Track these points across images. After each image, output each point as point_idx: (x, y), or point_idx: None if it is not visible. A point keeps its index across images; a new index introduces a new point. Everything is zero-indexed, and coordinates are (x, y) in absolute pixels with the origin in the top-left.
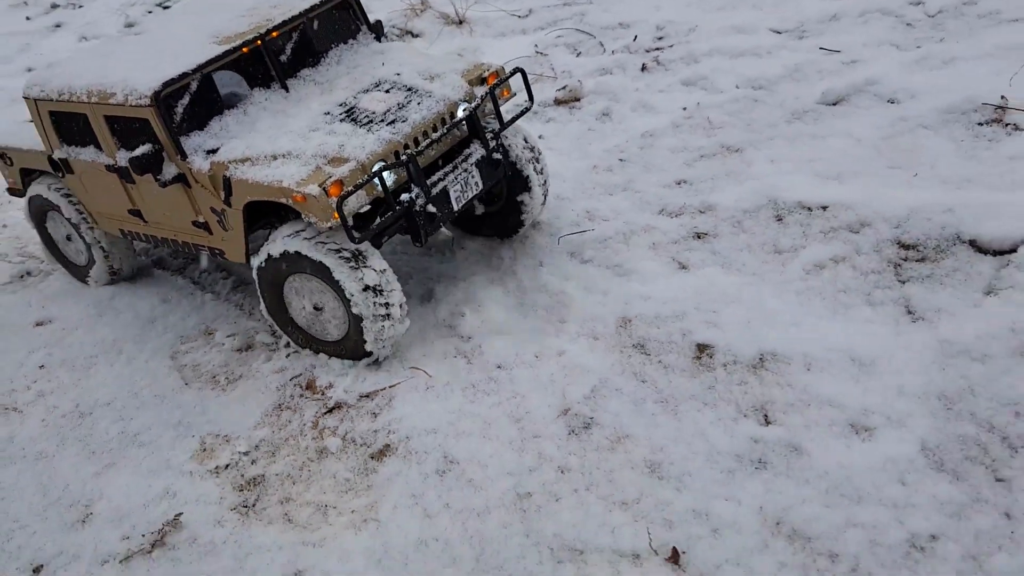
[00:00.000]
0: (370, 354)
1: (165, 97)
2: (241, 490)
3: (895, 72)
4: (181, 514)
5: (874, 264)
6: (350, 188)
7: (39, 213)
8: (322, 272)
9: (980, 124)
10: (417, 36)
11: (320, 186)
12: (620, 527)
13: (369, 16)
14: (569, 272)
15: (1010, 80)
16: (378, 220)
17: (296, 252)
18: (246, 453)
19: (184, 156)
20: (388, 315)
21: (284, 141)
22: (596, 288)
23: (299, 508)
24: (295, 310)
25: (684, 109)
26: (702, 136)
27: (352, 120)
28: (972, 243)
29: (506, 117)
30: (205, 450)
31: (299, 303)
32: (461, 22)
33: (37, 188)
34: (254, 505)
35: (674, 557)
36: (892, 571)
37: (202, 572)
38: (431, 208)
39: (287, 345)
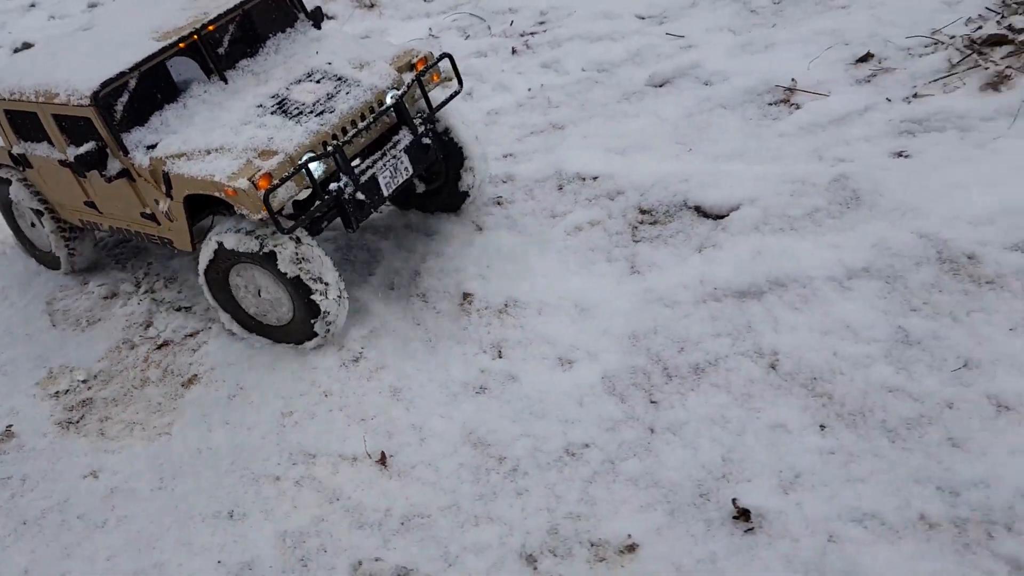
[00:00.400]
0: (315, 335)
1: (104, 97)
2: (70, 410)
3: (718, 57)
4: (12, 425)
5: (619, 227)
6: (277, 181)
7: (5, 204)
8: (263, 262)
9: (770, 104)
10: (331, 18)
11: (249, 179)
12: (351, 438)
13: (307, 4)
14: (389, 231)
15: (808, 64)
16: (311, 209)
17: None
18: (84, 381)
19: (126, 152)
20: (326, 300)
21: (217, 135)
22: (404, 246)
23: (113, 425)
24: (242, 299)
25: (529, 90)
26: (539, 114)
27: (283, 112)
28: (697, 208)
29: (436, 101)
30: (51, 377)
31: (245, 292)
32: (372, 5)
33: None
34: (78, 422)
35: (382, 459)
36: (544, 470)
37: (21, 470)
38: (360, 196)
39: (144, 292)
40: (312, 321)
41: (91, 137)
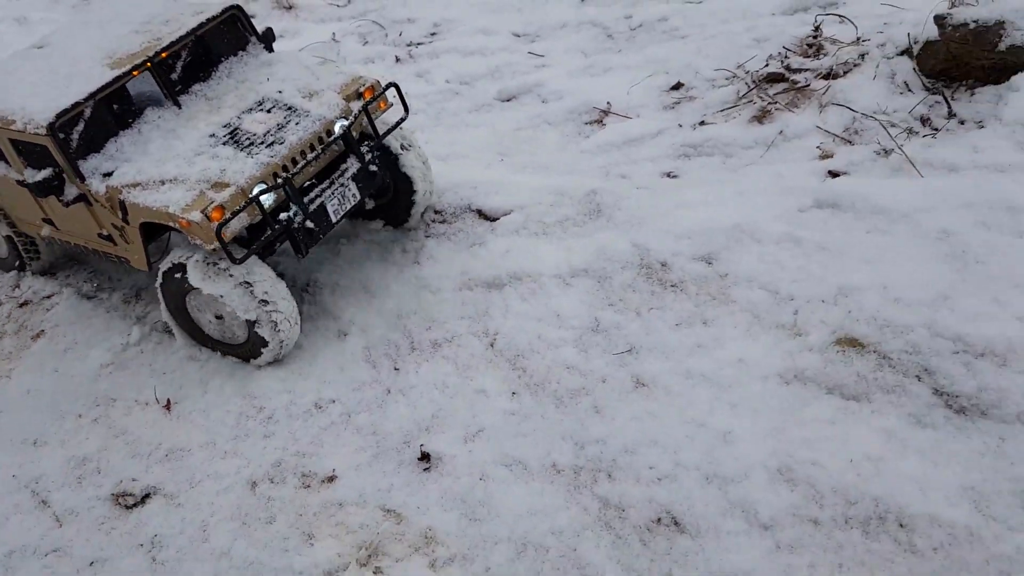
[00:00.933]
0: (266, 355)
1: (60, 127)
2: None
3: (561, 77)
4: None
5: (414, 224)
6: (229, 214)
7: None
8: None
9: (585, 123)
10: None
11: (202, 212)
12: (148, 388)
13: (256, 26)
14: None
15: (629, 89)
16: (261, 239)
17: (188, 280)
18: None
19: (83, 179)
20: (277, 322)
21: (171, 166)
22: None
23: None
24: (202, 322)
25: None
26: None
27: (235, 143)
28: (479, 212)
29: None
30: None
31: (203, 316)
32: (290, 7)
33: None
34: None
35: (167, 406)
36: (292, 419)
37: None
38: (309, 224)
39: (18, 268)
40: (263, 349)
41: (48, 163)
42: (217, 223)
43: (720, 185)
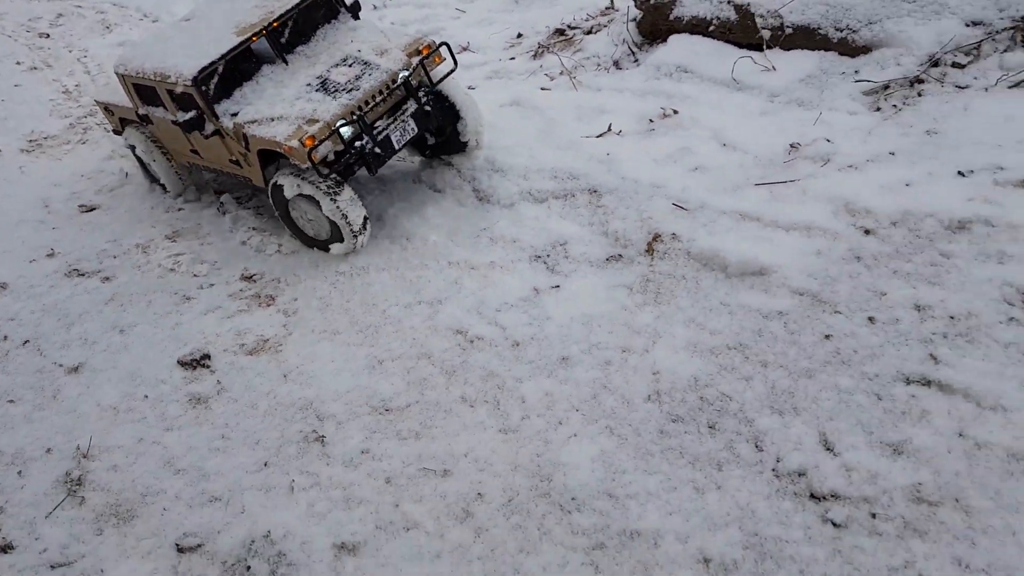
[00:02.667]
0: (345, 246)
1: (201, 80)
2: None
3: (459, 27)
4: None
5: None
6: (318, 141)
7: (133, 147)
8: (309, 198)
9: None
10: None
11: (299, 140)
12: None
13: None
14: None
15: (489, 35)
16: (342, 160)
17: (287, 187)
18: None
19: (217, 118)
20: (353, 226)
21: (278, 107)
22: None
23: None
24: (297, 220)
25: None
26: None
27: (324, 90)
28: None
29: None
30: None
31: (300, 216)
32: None
33: (130, 132)
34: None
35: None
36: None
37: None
38: (377, 150)
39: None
40: (341, 242)
41: (193, 107)
42: (309, 148)
43: (494, 91)
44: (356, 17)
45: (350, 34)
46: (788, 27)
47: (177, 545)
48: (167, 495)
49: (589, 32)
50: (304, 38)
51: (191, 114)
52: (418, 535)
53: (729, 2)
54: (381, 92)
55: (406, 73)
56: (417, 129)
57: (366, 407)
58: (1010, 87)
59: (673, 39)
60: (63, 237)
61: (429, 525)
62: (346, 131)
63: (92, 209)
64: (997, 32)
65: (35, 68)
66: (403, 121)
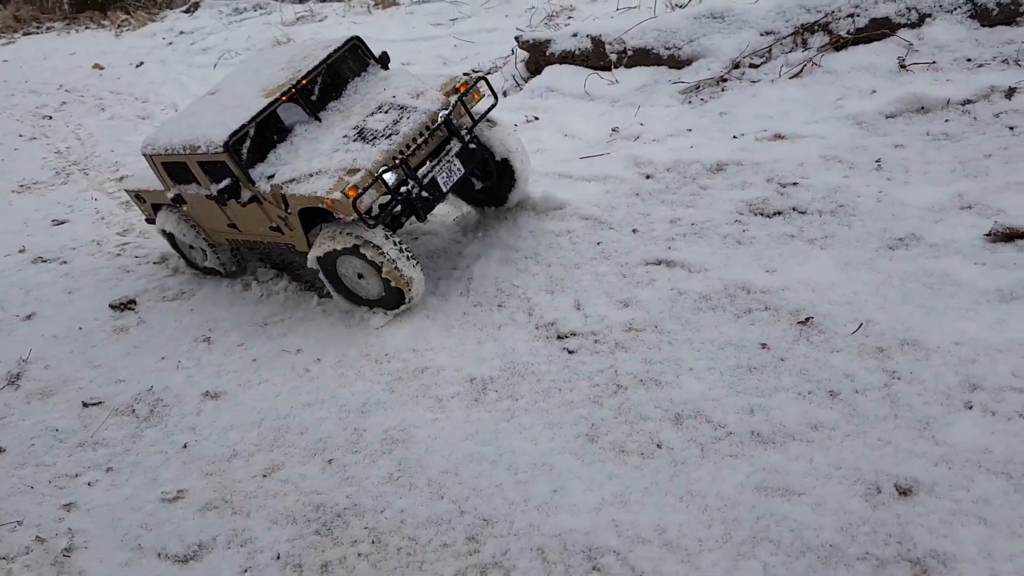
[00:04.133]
0: (405, 302)
1: (232, 144)
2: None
3: None
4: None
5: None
6: (361, 190)
7: (170, 234)
8: (358, 253)
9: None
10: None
11: (341, 191)
12: None
13: (374, 50)
14: None
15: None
16: (389, 207)
17: (344, 242)
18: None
19: (253, 183)
20: (406, 279)
21: (317, 162)
22: None
23: None
24: (346, 279)
25: None
26: None
27: (362, 139)
28: None
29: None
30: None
31: (347, 274)
32: None
33: (164, 216)
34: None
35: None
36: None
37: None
38: (425, 194)
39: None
40: (400, 297)
41: (227, 175)
42: (352, 198)
43: None
44: (386, 67)
45: (382, 83)
46: (630, 50)
47: (83, 403)
48: (83, 381)
49: (489, 73)
50: (335, 93)
51: (225, 182)
52: (267, 386)
53: (587, 36)
54: (421, 134)
55: (445, 112)
56: (464, 169)
57: (249, 322)
58: (790, 78)
59: (547, 69)
60: (35, 240)
61: (277, 380)
62: (389, 177)
63: (63, 223)
64: (783, 38)
65: (34, 138)
66: (448, 162)
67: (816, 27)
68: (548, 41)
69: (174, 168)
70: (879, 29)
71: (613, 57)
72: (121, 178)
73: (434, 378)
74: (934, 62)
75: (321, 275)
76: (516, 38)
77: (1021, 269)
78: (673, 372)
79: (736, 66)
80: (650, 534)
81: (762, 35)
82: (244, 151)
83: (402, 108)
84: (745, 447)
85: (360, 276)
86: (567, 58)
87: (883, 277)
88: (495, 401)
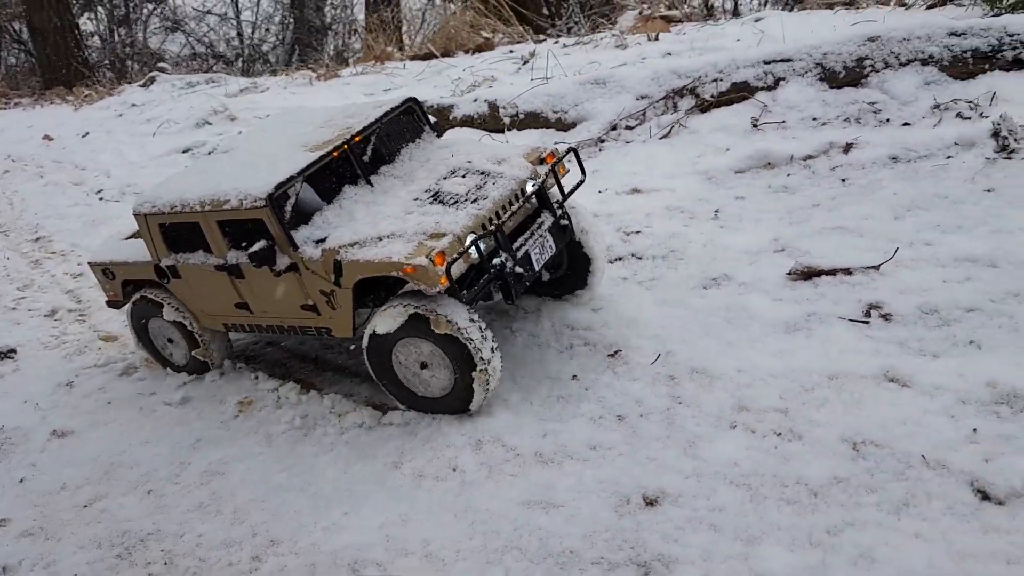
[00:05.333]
0: (472, 404)
1: (277, 198)
2: None
3: None
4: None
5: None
6: (454, 255)
7: (141, 320)
8: (432, 336)
9: None
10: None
11: (427, 256)
12: None
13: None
14: None
15: None
16: (480, 283)
17: (416, 316)
18: None
19: (295, 247)
20: (488, 369)
21: (385, 225)
22: None
23: None
24: (407, 377)
25: None
26: None
27: (440, 202)
28: None
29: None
30: None
31: (408, 370)
32: None
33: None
34: None
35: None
36: None
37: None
38: (518, 269)
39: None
40: (467, 397)
41: (262, 236)
42: (442, 265)
43: None
44: (440, 136)
45: (442, 151)
46: (521, 114)
47: None
48: None
49: None
50: (388, 157)
51: (260, 244)
52: (114, 426)
53: (485, 101)
54: (511, 202)
55: (537, 181)
56: (555, 247)
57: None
58: (660, 138)
59: (447, 132)
60: None
61: (123, 420)
62: (482, 246)
63: None
64: (656, 101)
65: None
66: (541, 236)
67: (685, 91)
68: (452, 106)
69: (177, 231)
70: (739, 92)
71: (506, 120)
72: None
73: (269, 415)
74: (784, 121)
75: (368, 361)
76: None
77: (809, 303)
78: (487, 405)
79: (614, 128)
80: (416, 547)
81: (638, 99)
82: (287, 209)
83: (483, 173)
84: (526, 467)
85: (424, 366)
86: (467, 122)
87: (691, 313)
88: (321, 436)
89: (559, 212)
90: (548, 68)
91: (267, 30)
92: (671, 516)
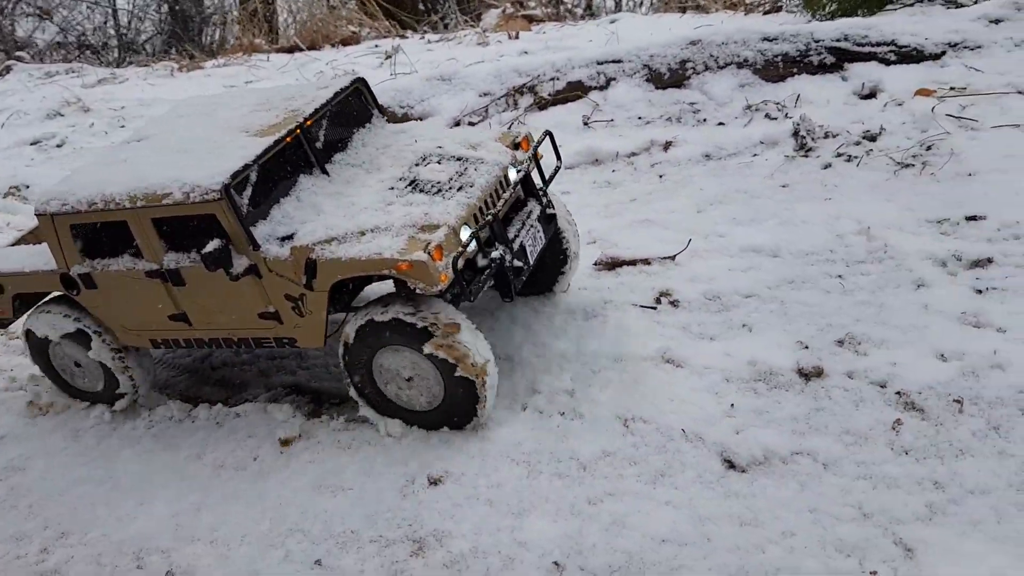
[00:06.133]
0: (474, 418)
1: (234, 188)
2: None
3: None
4: None
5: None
6: (460, 249)
7: (43, 343)
8: (419, 341)
9: None
10: None
11: (425, 252)
12: None
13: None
14: None
15: None
16: (478, 279)
17: (396, 321)
18: None
19: (256, 246)
20: (490, 385)
21: (365, 217)
22: None
23: None
24: (383, 377)
25: None
26: None
27: (421, 191)
28: None
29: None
30: None
31: (391, 383)
32: None
33: (40, 315)
34: None
35: None
36: None
37: None
38: (517, 262)
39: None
40: (473, 403)
41: (216, 233)
42: (440, 262)
43: None
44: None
45: (401, 136)
46: None
47: None
48: None
49: None
50: (340, 144)
51: (214, 244)
52: None
53: None
54: (497, 192)
55: (521, 167)
56: (544, 238)
57: None
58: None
59: None
60: None
61: None
62: (466, 235)
63: None
64: (498, 98)
65: None
66: (532, 227)
67: (525, 89)
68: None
69: (95, 233)
70: (575, 91)
71: None
72: None
73: (76, 414)
74: (612, 120)
75: (345, 366)
76: None
77: (609, 291)
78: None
79: (457, 123)
80: (203, 533)
81: (481, 96)
82: (244, 203)
83: (459, 160)
84: (324, 453)
85: (409, 380)
86: None
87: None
88: (130, 430)
89: (545, 200)
90: (411, 64)
91: (141, 20)
92: (451, 494)
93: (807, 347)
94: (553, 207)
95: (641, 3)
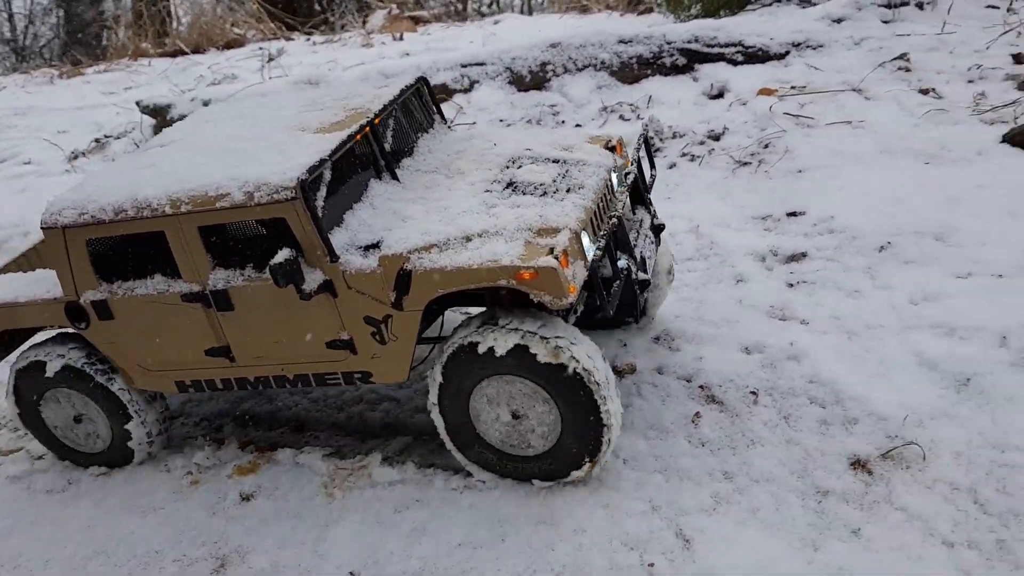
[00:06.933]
0: (584, 464)
1: (311, 184)
2: None
3: None
4: None
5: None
6: (594, 255)
7: (35, 390)
8: (538, 371)
9: None
10: None
11: (554, 257)
12: None
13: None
14: None
15: None
16: (609, 293)
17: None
18: None
19: (335, 257)
20: (615, 419)
21: (467, 221)
22: None
23: None
24: (485, 423)
25: None
26: None
27: (523, 192)
28: None
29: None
30: None
31: (492, 413)
32: None
33: (36, 353)
34: None
35: None
36: None
37: None
38: (642, 275)
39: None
40: (596, 440)
41: (284, 242)
42: (569, 268)
43: None
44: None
45: (474, 141)
46: None
47: None
48: None
49: (118, 138)
50: (406, 148)
51: (285, 254)
52: None
53: (201, 100)
54: (605, 195)
55: (631, 169)
56: (656, 252)
57: None
58: None
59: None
60: None
61: None
62: (593, 247)
63: None
64: None
65: None
66: (646, 236)
67: None
68: (169, 106)
69: (119, 249)
70: (440, 94)
71: None
72: None
73: None
74: (474, 123)
75: (438, 410)
76: (137, 103)
77: None
78: None
79: None
80: (6, 561)
81: None
82: (319, 204)
83: (557, 161)
84: (138, 474)
85: (516, 416)
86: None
87: None
88: None
89: (652, 209)
90: (284, 68)
91: (34, 23)
92: (261, 510)
93: (625, 344)
94: (659, 217)
95: (530, 4)
